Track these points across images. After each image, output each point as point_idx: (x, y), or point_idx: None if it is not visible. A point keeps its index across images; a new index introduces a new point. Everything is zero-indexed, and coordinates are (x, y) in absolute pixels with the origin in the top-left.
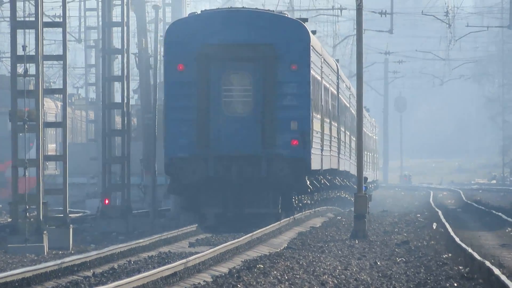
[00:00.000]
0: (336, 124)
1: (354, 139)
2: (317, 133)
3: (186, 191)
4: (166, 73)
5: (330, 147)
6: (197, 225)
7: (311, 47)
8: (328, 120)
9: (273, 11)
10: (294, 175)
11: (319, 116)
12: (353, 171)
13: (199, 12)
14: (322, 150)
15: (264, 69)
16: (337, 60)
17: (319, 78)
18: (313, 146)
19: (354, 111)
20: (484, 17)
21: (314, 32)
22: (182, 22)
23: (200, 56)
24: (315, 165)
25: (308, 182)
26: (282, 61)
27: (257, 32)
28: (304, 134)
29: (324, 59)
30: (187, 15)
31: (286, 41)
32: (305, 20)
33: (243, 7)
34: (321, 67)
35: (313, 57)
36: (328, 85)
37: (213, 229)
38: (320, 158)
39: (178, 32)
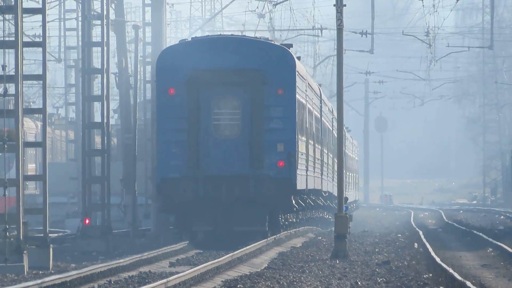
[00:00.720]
0: (319, 147)
1: (336, 161)
2: (302, 154)
3: (177, 210)
4: (158, 97)
5: (314, 168)
6: (186, 243)
7: (297, 72)
8: (312, 142)
9: (261, 38)
10: (281, 195)
11: (304, 138)
12: (336, 192)
13: (189, 39)
14: (307, 171)
15: (252, 93)
16: (320, 85)
17: (304, 101)
18: (298, 167)
19: (336, 134)
20: (465, 37)
21: (299, 58)
22: (173, 49)
23: (190, 81)
24: (300, 185)
25: (293, 201)
26: (269, 86)
27: (245, 58)
28: (290, 155)
29: (308, 83)
30: (178, 42)
31: (273, 67)
32: (290, 46)
33: (231, 35)
34: (306, 91)
35: (299, 82)
36: (312, 109)
37: (203, 246)
38: (305, 179)
39: (169, 58)
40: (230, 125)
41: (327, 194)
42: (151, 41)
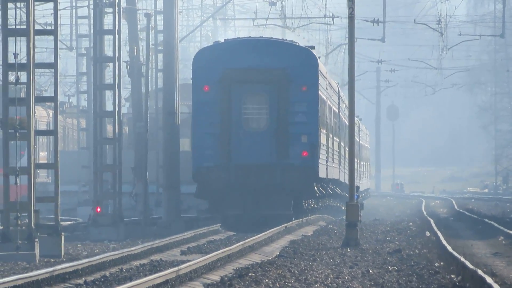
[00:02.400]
0: (337, 140)
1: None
2: (323, 146)
3: (210, 196)
4: (194, 94)
5: (333, 160)
6: (196, 231)
7: (319, 71)
8: (331, 136)
9: (286, 39)
10: (304, 182)
11: (325, 131)
12: None
13: (222, 41)
14: (327, 161)
15: (278, 90)
16: (338, 83)
17: (324, 98)
18: (320, 157)
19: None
20: (476, 26)
21: (320, 58)
22: (207, 49)
23: (223, 79)
24: (322, 173)
25: (316, 188)
26: (294, 83)
27: (272, 58)
28: (313, 146)
29: (328, 81)
30: (212, 43)
31: (298, 66)
32: (313, 47)
33: (260, 37)
34: (326, 88)
35: (320, 80)
36: (331, 105)
37: (234, 228)
38: (326, 168)
39: (204, 57)
40: (258, 119)
41: (343, 184)
42: (163, 29)
